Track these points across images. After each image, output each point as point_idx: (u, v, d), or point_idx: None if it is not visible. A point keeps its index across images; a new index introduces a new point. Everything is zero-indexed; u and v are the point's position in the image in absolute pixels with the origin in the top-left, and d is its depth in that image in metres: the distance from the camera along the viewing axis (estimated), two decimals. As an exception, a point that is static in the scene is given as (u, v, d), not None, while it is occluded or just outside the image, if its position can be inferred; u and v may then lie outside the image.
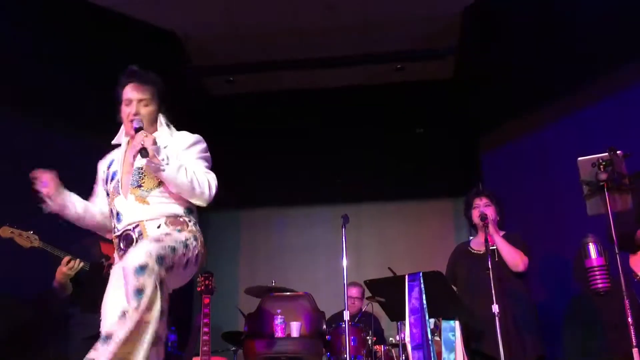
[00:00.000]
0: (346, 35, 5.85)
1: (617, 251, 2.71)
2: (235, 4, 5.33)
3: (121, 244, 2.42)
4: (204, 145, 2.53)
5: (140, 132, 2.37)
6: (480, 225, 3.66)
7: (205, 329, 3.67)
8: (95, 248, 3.61)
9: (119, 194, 2.43)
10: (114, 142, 2.65)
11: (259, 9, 5.42)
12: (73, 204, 2.59)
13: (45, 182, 2.52)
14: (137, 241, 2.33)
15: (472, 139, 6.26)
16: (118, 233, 2.44)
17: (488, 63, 5.68)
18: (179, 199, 2.41)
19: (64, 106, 4.89)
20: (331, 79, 6.53)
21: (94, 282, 3.31)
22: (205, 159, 2.51)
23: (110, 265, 3.36)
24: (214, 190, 2.40)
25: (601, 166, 2.80)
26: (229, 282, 5.92)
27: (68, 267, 3.40)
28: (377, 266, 4.64)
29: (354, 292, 5.23)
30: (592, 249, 2.85)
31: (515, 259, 3.55)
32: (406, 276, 3.42)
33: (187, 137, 2.52)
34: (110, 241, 3.69)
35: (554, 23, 4.86)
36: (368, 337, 4.23)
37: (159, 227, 2.34)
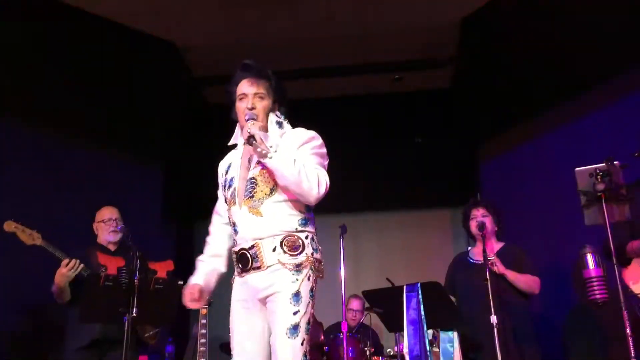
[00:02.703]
0: (345, 45, 5.87)
1: (615, 262, 2.70)
2: (234, 14, 5.35)
3: (239, 264, 2.35)
4: (319, 141, 2.39)
5: (248, 122, 2.27)
6: (479, 235, 3.65)
7: (202, 340, 3.66)
8: (92, 258, 3.60)
9: (235, 203, 2.35)
10: (230, 143, 2.53)
11: (258, 20, 5.44)
12: (218, 273, 2.52)
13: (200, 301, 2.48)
14: (252, 261, 2.28)
15: (470, 149, 6.26)
16: (236, 249, 2.36)
17: (486, 72, 5.69)
18: (293, 207, 2.31)
19: (61, 114, 4.90)
20: (330, 88, 6.55)
21: (91, 293, 3.30)
22: (319, 155, 2.38)
23: (107, 276, 3.35)
24: (323, 188, 2.28)
25: (599, 176, 2.80)
26: (230, 294, 5.89)
27: (68, 267, 3.37)
28: (375, 276, 4.63)
29: (356, 304, 5.17)
30: (590, 260, 2.84)
31: (531, 286, 3.56)
32: (404, 287, 3.41)
33: (301, 134, 2.39)
34: (108, 251, 3.71)
35: (551, 33, 4.87)
36: (366, 349, 4.21)
37: (274, 249, 2.25)
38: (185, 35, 5.69)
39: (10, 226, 3.36)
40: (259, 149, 2.22)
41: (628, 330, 2.58)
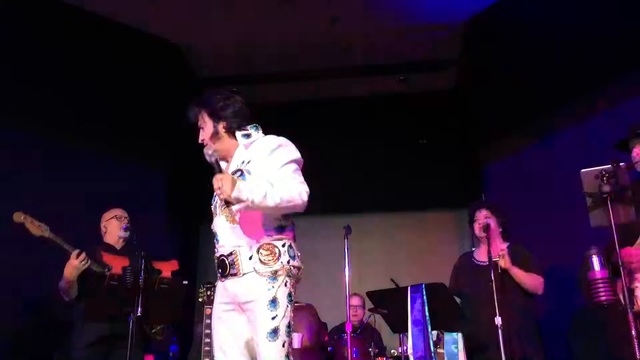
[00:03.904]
0: (349, 46, 5.87)
1: (620, 263, 2.69)
2: (238, 16, 5.36)
3: (219, 269, 2.43)
4: (288, 147, 2.41)
5: (214, 179, 2.25)
6: (483, 237, 3.65)
7: (207, 340, 3.65)
8: (98, 257, 3.61)
9: (216, 213, 2.46)
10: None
11: (263, 21, 5.45)
12: None
13: None
14: (230, 267, 2.35)
15: (474, 150, 6.26)
16: (217, 255, 2.44)
17: (490, 74, 5.69)
18: (269, 216, 2.36)
19: (65, 115, 4.91)
20: (334, 90, 6.55)
21: (96, 292, 3.31)
22: (292, 160, 2.39)
23: (112, 275, 3.37)
24: (305, 197, 2.29)
25: (604, 178, 2.79)
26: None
27: (79, 259, 3.39)
28: (379, 277, 4.61)
29: (355, 300, 5.20)
30: (596, 261, 2.83)
31: (535, 285, 3.57)
32: (409, 288, 3.41)
33: (269, 143, 2.42)
34: (114, 251, 3.71)
35: (556, 34, 4.87)
36: (370, 349, 4.21)
37: (251, 258, 2.32)
38: (188, 36, 5.70)
39: (19, 217, 3.39)
40: (239, 208, 2.25)
41: (633, 332, 2.57)
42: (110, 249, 3.75)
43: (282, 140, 2.44)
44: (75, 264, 3.40)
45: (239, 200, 2.19)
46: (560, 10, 4.82)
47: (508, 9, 5.19)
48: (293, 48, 5.88)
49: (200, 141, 2.52)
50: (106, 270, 3.47)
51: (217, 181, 2.21)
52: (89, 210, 4.03)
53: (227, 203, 2.23)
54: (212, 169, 2.64)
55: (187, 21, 5.47)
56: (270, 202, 2.22)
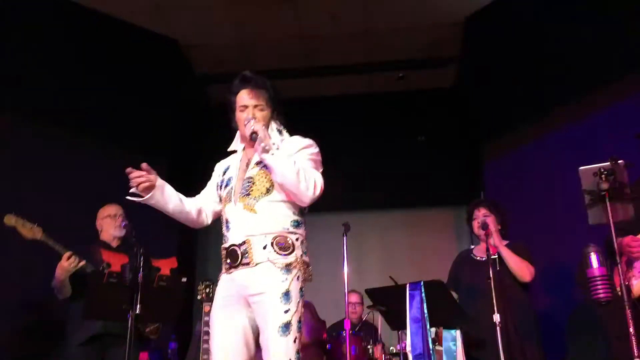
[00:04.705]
0: (348, 44, 5.87)
1: (618, 261, 2.70)
2: (238, 12, 5.36)
3: (228, 259, 2.38)
4: (316, 149, 2.47)
5: (251, 120, 2.36)
6: (482, 235, 3.65)
7: (206, 337, 3.65)
8: (96, 255, 3.60)
9: (230, 200, 2.41)
10: (230, 149, 2.58)
11: (262, 18, 5.45)
12: (174, 201, 2.59)
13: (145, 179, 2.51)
14: (242, 257, 2.31)
15: (474, 148, 6.25)
16: (226, 245, 2.40)
17: (490, 72, 5.69)
18: (287, 208, 2.36)
19: (64, 111, 4.91)
20: (333, 87, 6.55)
21: (94, 290, 3.31)
22: (315, 161, 2.44)
23: (111, 273, 3.36)
24: (319, 189, 2.32)
25: (603, 175, 2.79)
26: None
27: (69, 262, 3.39)
28: (378, 274, 4.63)
29: (354, 298, 5.22)
30: (594, 259, 2.82)
31: (522, 269, 3.55)
32: (407, 285, 3.41)
33: (299, 141, 2.47)
34: (111, 248, 3.71)
35: (554, 32, 4.86)
36: (369, 347, 4.21)
37: (264, 247, 2.29)
38: (189, 33, 5.70)
39: (10, 220, 3.37)
40: (262, 144, 2.28)
41: (631, 329, 2.57)
42: (108, 246, 3.75)
43: (311, 141, 2.48)
44: (65, 266, 3.40)
45: (264, 140, 2.26)
46: (560, 9, 4.82)
47: (508, 6, 5.19)
48: (293, 46, 5.88)
49: (252, 119, 2.39)
50: (102, 267, 3.47)
51: (253, 121, 2.33)
52: (89, 208, 4.02)
53: (252, 137, 2.29)
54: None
55: (188, 18, 5.47)
56: (289, 166, 2.25)
